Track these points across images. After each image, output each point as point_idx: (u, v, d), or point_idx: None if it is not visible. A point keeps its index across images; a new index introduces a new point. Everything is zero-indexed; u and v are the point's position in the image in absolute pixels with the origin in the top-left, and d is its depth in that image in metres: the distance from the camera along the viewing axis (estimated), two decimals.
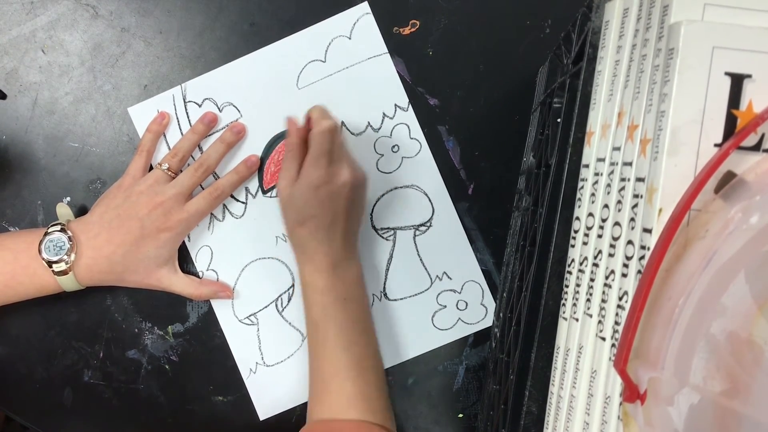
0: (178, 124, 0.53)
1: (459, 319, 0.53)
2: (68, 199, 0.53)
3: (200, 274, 0.53)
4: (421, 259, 0.53)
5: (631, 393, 0.24)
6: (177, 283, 0.50)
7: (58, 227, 0.47)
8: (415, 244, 0.53)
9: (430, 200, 0.53)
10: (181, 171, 0.51)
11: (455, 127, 0.53)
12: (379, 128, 0.53)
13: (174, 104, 0.53)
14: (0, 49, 0.52)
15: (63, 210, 0.51)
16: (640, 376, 0.24)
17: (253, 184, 0.53)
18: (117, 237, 0.47)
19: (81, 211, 0.53)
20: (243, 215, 0.53)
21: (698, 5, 0.26)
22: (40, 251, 0.46)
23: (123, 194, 0.48)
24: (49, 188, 0.53)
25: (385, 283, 0.53)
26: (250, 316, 0.53)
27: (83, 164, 0.53)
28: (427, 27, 0.53)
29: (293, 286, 0.53)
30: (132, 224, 0.47)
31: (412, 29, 0.53)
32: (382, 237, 0.53)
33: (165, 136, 0.53)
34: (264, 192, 0.53)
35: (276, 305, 0.53)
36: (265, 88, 0.53)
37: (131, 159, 0.50)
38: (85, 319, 0.53)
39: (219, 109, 0.53)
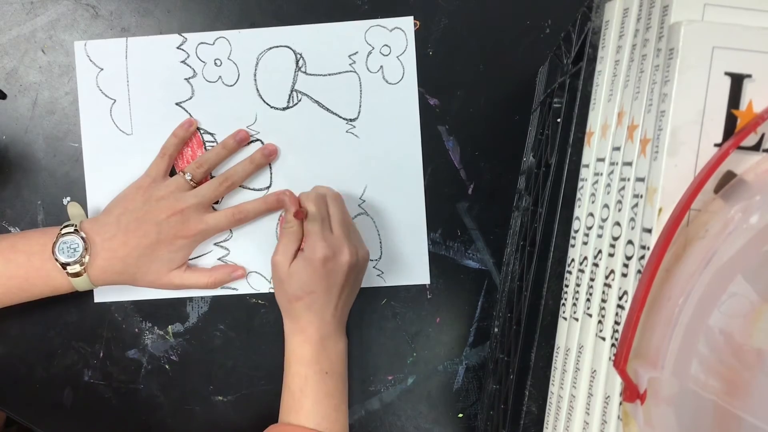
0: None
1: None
2: (68, 199, 0.53)
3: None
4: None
5: (631, 393, 0.24)
6: (189, 279, 0.50)
7: (72, 228, 0.47)
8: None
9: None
10: (203, 182, 0.51)
11: (455, 127, 0.53)
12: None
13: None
14: (0, 49, 0.52)
15: (75, 210, 0.51)
16: (640, 376, 0.24)
17: None
18: (133, 240, 0.47)
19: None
20: None
21: (698, 5, 0.26)
22: (53, 253, 0.46)
23: (142, 197, 0.49)
24: (49, 188, 0.53)
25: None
26: None
27: (83, 164, 0.53)
28: (427, 27, 0.53)
29: None
30: (149, 228, 0.47)
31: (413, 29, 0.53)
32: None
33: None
34: None
35: None
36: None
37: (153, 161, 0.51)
38: (85, 319, 0.53)
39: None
